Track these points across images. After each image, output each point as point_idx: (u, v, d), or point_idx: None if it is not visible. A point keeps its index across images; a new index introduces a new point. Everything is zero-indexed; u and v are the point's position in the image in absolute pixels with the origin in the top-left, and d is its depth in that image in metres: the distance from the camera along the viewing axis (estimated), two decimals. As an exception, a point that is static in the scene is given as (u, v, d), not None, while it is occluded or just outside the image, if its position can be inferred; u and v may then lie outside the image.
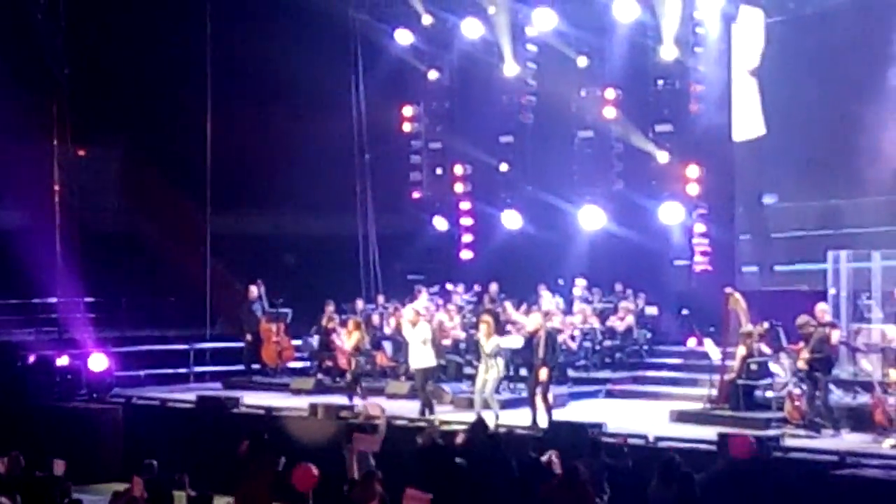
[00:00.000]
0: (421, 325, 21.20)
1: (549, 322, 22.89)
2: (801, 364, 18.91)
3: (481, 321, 20.94)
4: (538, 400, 19.54)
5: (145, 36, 30.18)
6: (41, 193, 28.16)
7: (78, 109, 27.58)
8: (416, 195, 31.92)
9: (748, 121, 25.74)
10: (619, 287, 26.32)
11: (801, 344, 19.32)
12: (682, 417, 20.11)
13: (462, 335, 23.84)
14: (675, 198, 26.85)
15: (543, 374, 19.52)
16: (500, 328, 21.50)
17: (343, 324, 24.10)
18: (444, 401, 21.66)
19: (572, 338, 24.07)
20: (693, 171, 26.68)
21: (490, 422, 18.41)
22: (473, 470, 15.91)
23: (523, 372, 21.42)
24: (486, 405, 20.00)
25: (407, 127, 31.56)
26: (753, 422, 19.01)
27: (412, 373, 21.62)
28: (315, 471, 14.51)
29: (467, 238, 31.00)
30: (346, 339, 23.11)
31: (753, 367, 19.98)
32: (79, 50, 27.70)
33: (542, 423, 19.21)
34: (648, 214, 27.23)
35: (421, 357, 20.98)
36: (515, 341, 20.81)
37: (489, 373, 20.22)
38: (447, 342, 23.69)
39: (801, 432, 18.40)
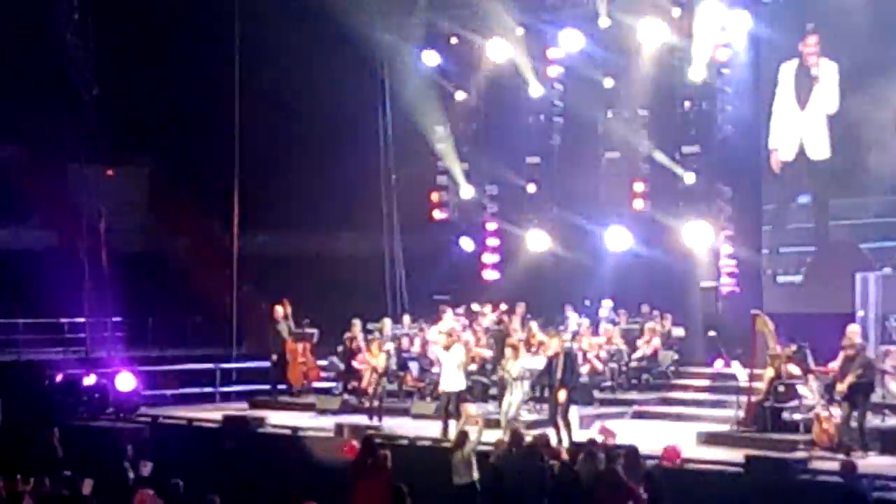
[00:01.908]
0: (455, 348, 21.20)
1: (577, 343, 23.00)
2: (842, 387, 18.71)
3: (507, 345, 21.15)
4: (560, 421, 19.67)
5: (173, 57, 30.39)
6: (69, 213, 28.32)
7: (106, 130, 27.72)
8: (442, 215, 31.92)
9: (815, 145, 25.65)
10: (645, 308, 26.26)
11: (831, 366, 19.19)
12: (709, 439, 19.98)
13: (489, 354, 23.78)
14: (702, 219, 26.79)
15: (562, 395, 19.75)
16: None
17: (368, 344, 24.10)
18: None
19: (598, 358, 23.98)
20: (720, 192, 26.64)
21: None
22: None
23: (547, 393, 21.41)
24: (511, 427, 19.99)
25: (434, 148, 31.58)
26: (781, 444, 18.89)
27: (439, 393, 21.52)
28: None
29: (493, 259, 30.99)
30: (370, 359, 23.15)
31: (781, 389, 19.85)
32: (107, 70, 27.84)
33: (565, 443, 19.16)
34: (675, 236, 27.16)
35: (454, 380, 20.97)
36: (539, 362, 20.81)
37: (514, 395, 20.49)
38: (473, 365, 23.52)
39: (829, 455, 18.27)
